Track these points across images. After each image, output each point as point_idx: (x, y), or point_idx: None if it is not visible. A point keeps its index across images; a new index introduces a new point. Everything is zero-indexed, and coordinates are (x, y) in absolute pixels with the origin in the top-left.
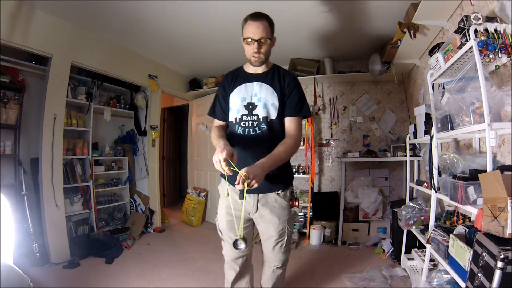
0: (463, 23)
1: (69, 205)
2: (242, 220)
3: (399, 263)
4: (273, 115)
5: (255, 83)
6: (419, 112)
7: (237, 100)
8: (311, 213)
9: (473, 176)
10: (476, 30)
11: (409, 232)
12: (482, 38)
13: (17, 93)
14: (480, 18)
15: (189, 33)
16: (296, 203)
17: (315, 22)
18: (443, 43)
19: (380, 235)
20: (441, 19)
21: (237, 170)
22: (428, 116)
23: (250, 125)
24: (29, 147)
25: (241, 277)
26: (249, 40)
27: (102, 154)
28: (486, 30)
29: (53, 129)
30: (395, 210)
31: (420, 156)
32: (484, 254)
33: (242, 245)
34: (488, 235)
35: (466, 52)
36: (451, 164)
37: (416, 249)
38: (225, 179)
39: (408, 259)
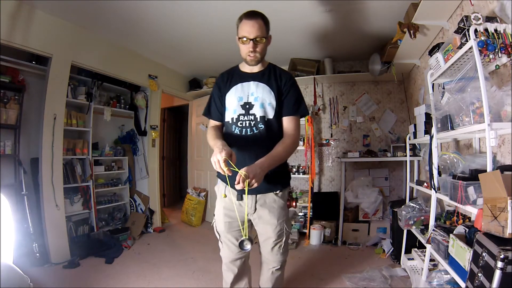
0: (463, 23)
1: (69, 205)
2: (246, 220)
3: (399, 263)
4: (271, 114)
5: (251, 82)
6: (419, 112)
7: (233, 100)
8: (311, 213)
9: (473, 176)
10: (476, 30)
11: (409, 232)
12: (482, 38)
13: (17, 93)
14: (480, 18)
15: (189, 33)
16: (294, 204)
17: (315, 22)
18: (443, 43)
19: (380, 235)
20: (441, 19)
21: (237, 170)
22: (428, 116)
23: (247, 125)
24: (29, 147)
25: (240, 278)
26: (244, 39)
27: (102, 154)
28: (486, 30)
29: (53, 129)
30: (395, 210)
31: (420, 156)
32: (484, 254)
33: (248, 246)
34: (488, 235)
35: (466, 52)
36: (451, 164)
37: (416, 249)
38: (222, 180)
39: (408, 259)
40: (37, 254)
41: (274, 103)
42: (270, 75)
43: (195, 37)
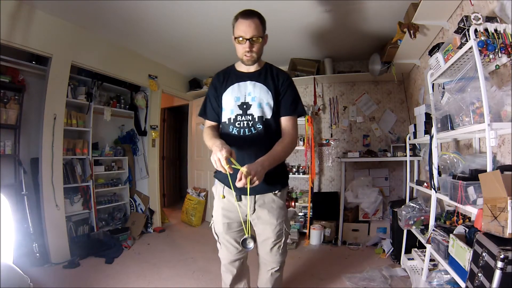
0: (463, 23)
1: (69, 205)
2: (248, 217)
3: (399, 263)
4: (268, 114)
5: (248, 82)
6: (419, 112)
7: (230, 100)
8: (311, 213)
9: (473, 176)
10: (476, 30)
11: (409, 232)
12: (482, 38)
13: (17, 93)
14: (480, 18)
15: (189, 33)
16: (293, 203)
17: (315, 22)
18: (443, 43)
19: (380, 235)
20: (441, 19)
21: (239, 167)
22: (428, 116)
23: (245, 125)
24: (29, 147)
25: (239, 279)
26: (241, 39)
27: (102, 154)
28: (486, 30)
29: (53, 129)
30: (395, 210)
31: (420, 156)
32: (484, 254)
33: (251, 244)
34: (488, 235)
35: (466, 52)
36: (451, 164)
37: (416, 249)
38: (220, 181)
39: (408, 259)
40: (37, 254)
41: (271, 103)
42: (267, 74)
43: (195, 37)
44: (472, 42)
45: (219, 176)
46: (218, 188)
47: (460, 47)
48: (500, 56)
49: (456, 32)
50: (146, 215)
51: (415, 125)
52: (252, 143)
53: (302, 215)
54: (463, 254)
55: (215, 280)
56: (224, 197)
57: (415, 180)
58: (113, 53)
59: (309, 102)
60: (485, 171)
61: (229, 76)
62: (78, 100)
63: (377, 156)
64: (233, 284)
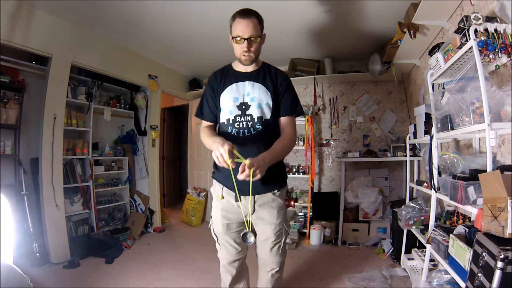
0: (463, 23)
1: (69, 205)
2: (250, 212)
3: (399, 263)
4: (268, 115)
5: (246, 82)
6: (419, 112)
7: (228, 100)
8: (311, 213)
9: (473, 176)
10: (476, 30)
11: (409, 232)
12: (482, 38)
13: (17, 93)
14: (480, 18)
15: (189, 33)
16: (292, 203)
17: (315, 22)
18: (443, 43)
19: (380, 235)
20: (441, 19)
21: (242, 160)
22: (428, 116)
23: (244, 125)
24: (29, 147)
25: (238, 280)
26: (238, 38)
27: (102, 154)
28: (486, 30)
29: (53, 129)
30: (395, 210)
31: (420, 156)
32: (484, 254)
33: (251, 238)
34: (488, 235)
35: (466, 52)
36: (451, 164)
37: (416, 249)
38: (218, 181)
39: (408, 259)
40: (37, 254)
41: (271, 103)
42: (265, 74)
43: (195, 37)
44: (472, 42)
45: (218, 176)
46: (217, 189)
47: (460, 47)
48: (500, 56)
49: (456, 32)
50: (146, 215)
51: (415, 125)
52: (252, 143)
53: (302, 215)
54: (463, 254)
55: (215, 280)
56: (223, 197)
57: (415, 180)
58: (113, 53)
59: (309, 102)
60: (485, 171)
61: (227, 75)
62: (78, 100)
63: (377, 156)
64: (233, 284)
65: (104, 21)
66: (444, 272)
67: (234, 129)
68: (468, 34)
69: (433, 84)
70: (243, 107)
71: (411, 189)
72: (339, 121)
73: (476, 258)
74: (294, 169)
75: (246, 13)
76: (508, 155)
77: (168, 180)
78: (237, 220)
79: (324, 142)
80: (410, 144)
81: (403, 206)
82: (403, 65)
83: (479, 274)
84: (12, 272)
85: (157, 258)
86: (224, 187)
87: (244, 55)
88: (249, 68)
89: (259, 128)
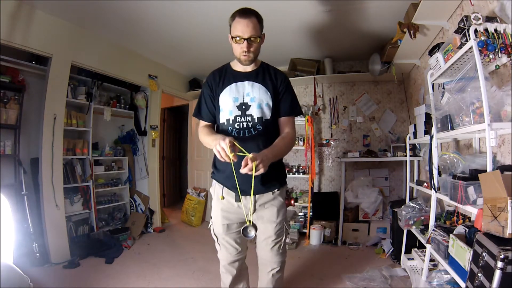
0: (463, 23)
1: (69, 205)
2: (251, 205)
3: (399, 263)
4: (268, 115)
5: (246, 82)
6: (419, 112)
7: (228, 101)
8: (311, 213)
9: (473, 176)
10: (476, 30)
11: (409, 232)
12: (482, 38)
13: (17, 93)
14: (480, 18)
15: (189, 33)
16: (292, 202)
17: (315, 22)
18: (443, 43)
19: (380, 235)
20: (441, 19)
21: (245, 153)
22: (428, 116)
23: (245, 126)
24: (29, 147)
25: (238, 280)
26: (238, 38)
27: (102, 154)
28: (486, 30)
29: (53, 129)
30: (395, 210)
31: (420, 156)
32: (484, 254)
33: (252, 232)
34: (488, 235)
35: (466, 52)
36: (451, 164)
37: (416, 249)
38: (218, 181)
39: (408, 259)
40: (37, 254)
41: (271, 103)
42: (264, 74)
43: (195, 37)
44: (472, 42)
45: (218, 177)
46: (216, 189)
47: (460, 47)
48: (500, 56)
49: (456, 32)
50: (146, 215)
51: (415, 125)
52: (253, 144)
53: (302, 215)
54: (463, 254)
55: (215, 280)
56: (223, 198)
57: (415, 180)
58: (113, 53)
59: (309, 102)
60: (485, 171)
61: (225, 75)
62: (78, 100)
63: (377, 156)
64: (233, 284)
65: (104, 21)
66: (444, 272)
67: (234, 130)
68: (468, 34)
69: (433, 84)
70: (243, 107)
71: (411, 189)
72: (339, 121)
73: (476, 258)
74: (294, 169)
75: (245, 13)
76: (508, 155)
77: (168, 180)
78: (237, 220)
79: (324, 142)
80: (410, 144)
81: (403, 206)
82: (403, 65)
83: (479, 274)
84: (12, 272)
85: (157, 258)
86: (224, 188)
87: (243, 55)
88: (248, 68)
89: (260, 128)
